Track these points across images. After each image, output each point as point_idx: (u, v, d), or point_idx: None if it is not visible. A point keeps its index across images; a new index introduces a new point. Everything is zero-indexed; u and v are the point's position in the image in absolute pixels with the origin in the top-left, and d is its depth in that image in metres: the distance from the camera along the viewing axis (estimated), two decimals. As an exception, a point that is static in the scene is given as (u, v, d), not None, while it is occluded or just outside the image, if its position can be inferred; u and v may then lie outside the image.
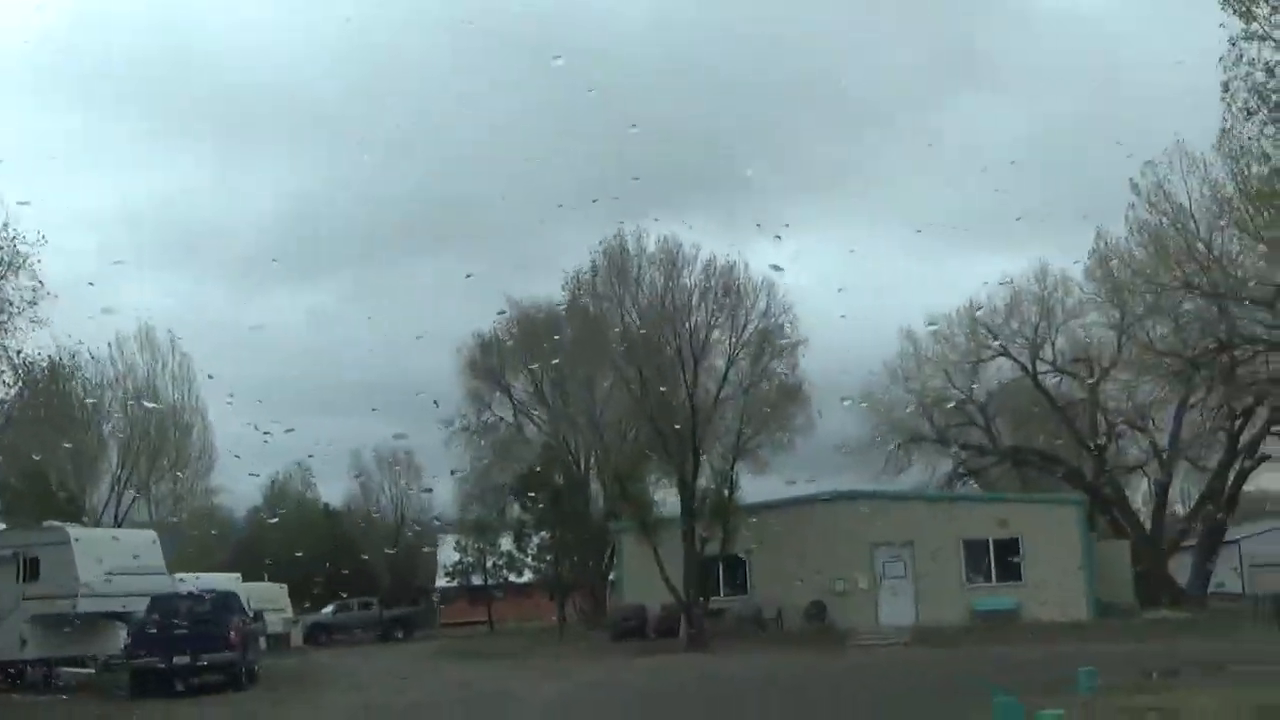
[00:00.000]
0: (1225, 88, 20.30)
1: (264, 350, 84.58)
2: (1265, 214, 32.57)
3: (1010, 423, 63.04)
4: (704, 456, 41.32)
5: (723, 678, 31.20)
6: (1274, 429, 55.20)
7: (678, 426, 40.44)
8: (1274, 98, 19.77)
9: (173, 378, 60.35)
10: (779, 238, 32.91)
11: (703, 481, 41.25)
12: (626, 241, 41.51)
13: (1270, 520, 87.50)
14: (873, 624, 43.06)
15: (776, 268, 46.00)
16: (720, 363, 41.37)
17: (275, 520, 71.81)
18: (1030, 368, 61.45)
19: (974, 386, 62.92)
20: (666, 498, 43.34)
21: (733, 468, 41.28)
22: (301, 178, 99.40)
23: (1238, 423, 54.20)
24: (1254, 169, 22.72)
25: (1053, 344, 61.70)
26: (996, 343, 61.36)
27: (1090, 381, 61.24)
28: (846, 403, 44.77)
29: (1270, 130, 20.09)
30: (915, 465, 63.09)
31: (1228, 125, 20.66)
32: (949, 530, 43.63)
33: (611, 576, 61.05)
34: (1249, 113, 20.33)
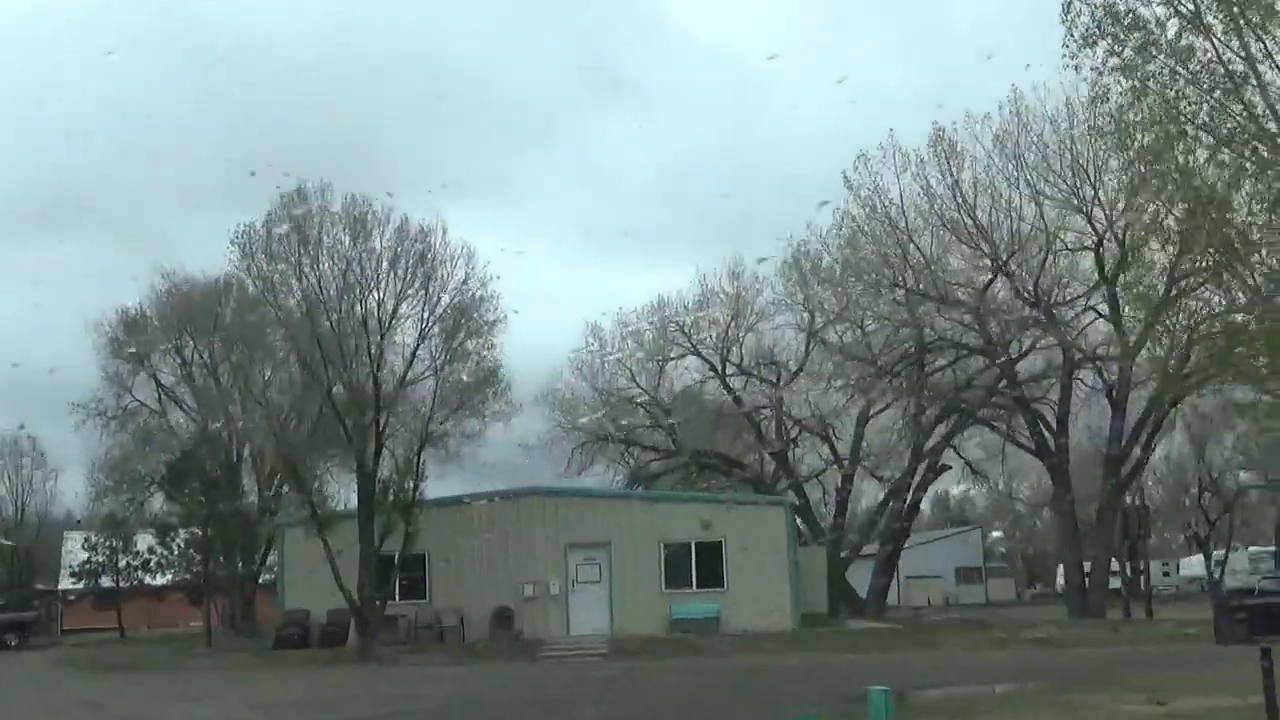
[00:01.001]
0: (1066, 9, 17.45)
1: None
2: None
3: (696, 425, 60.91)
4: (387, 443, 36.63)
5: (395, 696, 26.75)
6: (953, 441, 54.97)
7: (359, 408, 35.74)
8: (1126, 17, 17.12)
9: None
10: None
11: (385, 471, 36.58)
12: (310, 197, 36.47)
13: (925, 533, 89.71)
14: (564, 633, 39.38)
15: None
16: (410, 339, 36.78)
17: None
18: (719, 369, 59.61)
19: (658, 386, 60.75)
20: (340, 489, 38.52)
21: (419, 457, 36.75)
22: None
23: (924, 432, 53.56)
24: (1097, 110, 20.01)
25: (740, 345, 60.17)
26: (686, 342, 59.38)
27: (776, 385, 60.04)
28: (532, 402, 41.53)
29: (1115, 61, 17.41)
30: (597, 465, 60.56)
31: (1069, 56, 17.72)
32: (649, 532, 40.37)
33: (263, 579, 55.48)
34: (1088, 41, 17.55)
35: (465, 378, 36.40)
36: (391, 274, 36.46)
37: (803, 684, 24.96)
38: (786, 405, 59.61)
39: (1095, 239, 44.08)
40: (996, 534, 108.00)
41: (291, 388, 38.48)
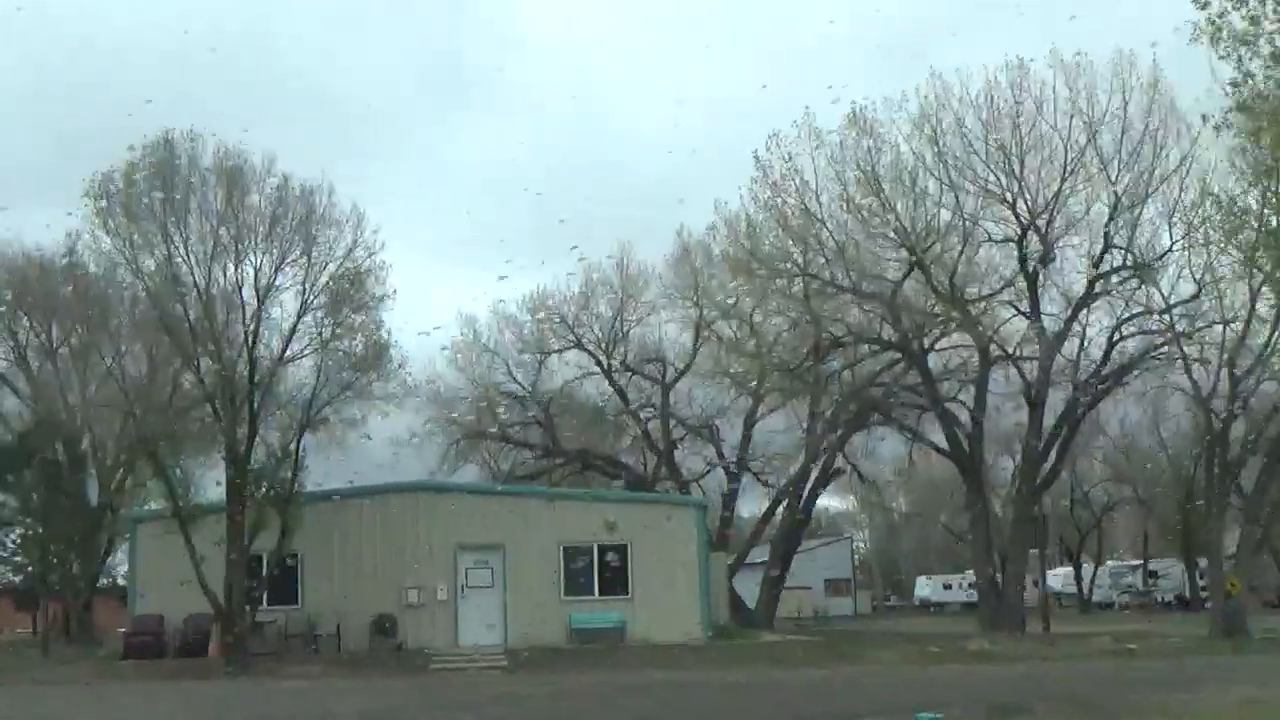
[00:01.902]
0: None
1: None
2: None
3: (579, 423, 57.43)
4: (261, 428, 32.43)
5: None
6: (850, 444, 52.44)
7: (230, 388, 31.54)
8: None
9: None
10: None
11: (258, 459, 32.34)
12: (177, 146, 32.13)
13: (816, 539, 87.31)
14: (451, 642, 35.61)
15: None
16: (291, 311, 32.61)
17: None
18: (604, 364, 56.22)
19: (535, 382, 57.05)
20: (204, 480, 34.18)
21: (298, 443, 32.61)
22: None
23: (823, 433, 50.96)
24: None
25: (625, 341, 56.83)
26: (569, 335, 55.84)
27: (662, 383, 56.87)
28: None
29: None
30: (471, 464, 56.67)
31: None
32: (547, 533, 36.73)
33: (102, 583, 50.49)
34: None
35: (358, 350, 32.31)
36: (271, 237, 32.29)
37: (772, 704, 21.74)
38: (672, 404, 56.62)
39: (1019, 230, 41.87)
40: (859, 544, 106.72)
41: (152, 364, 33.93)
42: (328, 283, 32.41)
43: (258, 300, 31.72)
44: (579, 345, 55.52)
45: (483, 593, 36.39)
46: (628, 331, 56.46)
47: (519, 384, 56.68)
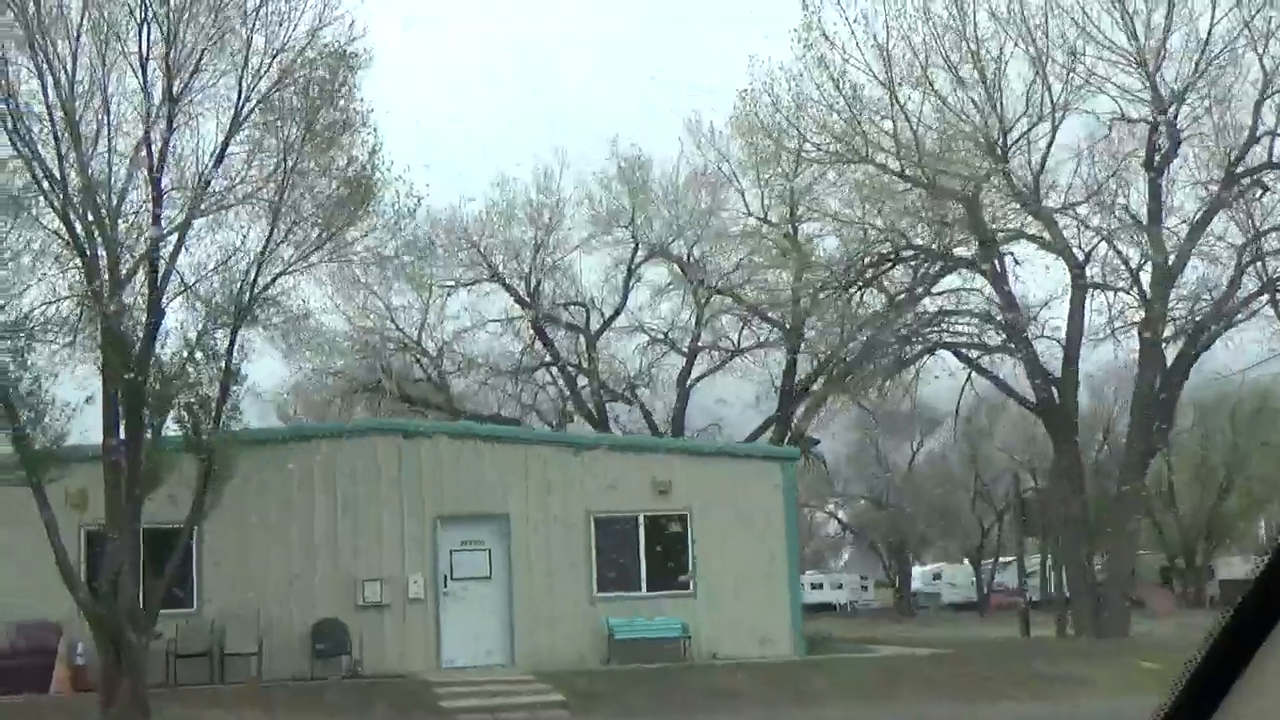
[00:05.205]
0: None
1: None
2: None
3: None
4: (171, 299, 19.74)
5: None
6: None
7: (111, 240, 18.94)
8: None
9: None
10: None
11: (168, 353, 19.56)
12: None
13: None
14: (431, 663, 23.53)
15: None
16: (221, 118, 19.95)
17: None
18: (527, 303, 44.03)
19: (422, 325, 44.60)
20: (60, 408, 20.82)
21: (235, 334, 19.86)
22: None
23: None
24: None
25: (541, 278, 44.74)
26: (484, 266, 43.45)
27: (585, 331, 45.28)
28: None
29: None
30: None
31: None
32: (572, 499, 24.81)
33: None
34: None
35: (335, 184, 19.91)
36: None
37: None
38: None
39: (1154, 113, 31.79)
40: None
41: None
42: (281, 77, 19.87)
43: (169, 93, 19.04)
44: (497, 278, 43.24)
45: (475, 588, 24.32)
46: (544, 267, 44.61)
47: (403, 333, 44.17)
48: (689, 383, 44.69)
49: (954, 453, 66.60)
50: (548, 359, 44.75)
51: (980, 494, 69.56)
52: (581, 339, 45.21)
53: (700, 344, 44.38)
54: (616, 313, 45.07)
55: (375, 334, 42.87)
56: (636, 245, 43.66)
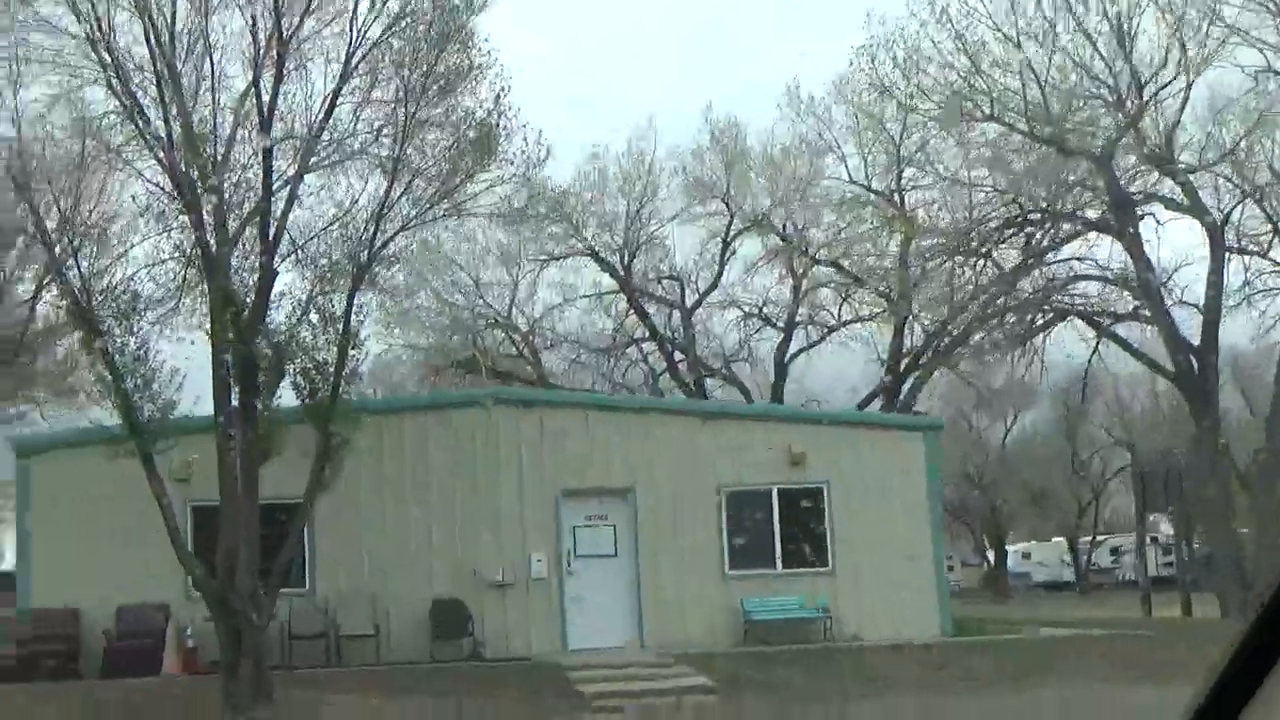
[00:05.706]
0: None
1: None
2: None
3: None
4: (284, 259, 18.33)
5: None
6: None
7: (218, 191, 17.57)
8: None
9: None
10: None
11: (280, 315, 18.20)
12: None
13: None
14: (557, 644, 22.14)
15: None
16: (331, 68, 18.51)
17: None
18: (622, 278, 42.42)
19: (512, 300, 43.15)
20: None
21: (352, 296, 18.45)
22: None
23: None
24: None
25: (637, 251, 43.05)
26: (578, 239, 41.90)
27: (682, 306, 43.64)
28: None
29: None
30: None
31: None
32: (702, 471, 23.31)
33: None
34: None
35: (460, 130, 18.40)
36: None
37: None
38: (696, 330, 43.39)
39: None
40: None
41: (83, 154, 19.12)
42: (398, 23, 18.42)
43: (279, 36, 17.67)
44: (591, 253, 41.65)
45: (599, 565, 22.89)
46: (640, 240, 42.92)
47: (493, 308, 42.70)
48: (787, 357, 43.18)
49: (1050, 428, 64.61)
50: (641, 334, 43.33)
51: (1077, 471, 67.22)
52: (675, 314, 43.84)
53: (798, 319, 42.75)
54: (712, 286, 43.55)
55: (466, 310, 41.65)
56: (732, 217, 42.02)
